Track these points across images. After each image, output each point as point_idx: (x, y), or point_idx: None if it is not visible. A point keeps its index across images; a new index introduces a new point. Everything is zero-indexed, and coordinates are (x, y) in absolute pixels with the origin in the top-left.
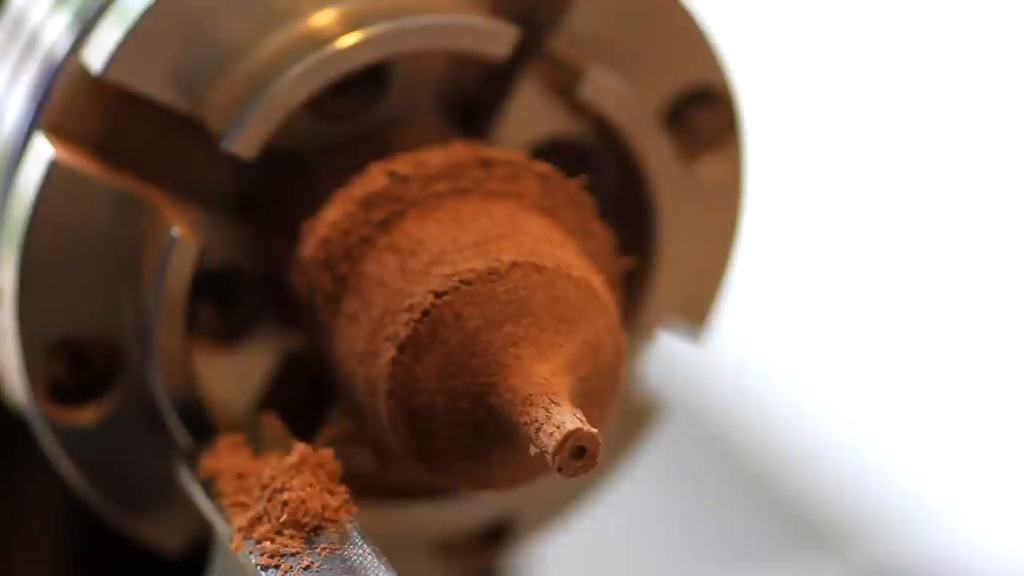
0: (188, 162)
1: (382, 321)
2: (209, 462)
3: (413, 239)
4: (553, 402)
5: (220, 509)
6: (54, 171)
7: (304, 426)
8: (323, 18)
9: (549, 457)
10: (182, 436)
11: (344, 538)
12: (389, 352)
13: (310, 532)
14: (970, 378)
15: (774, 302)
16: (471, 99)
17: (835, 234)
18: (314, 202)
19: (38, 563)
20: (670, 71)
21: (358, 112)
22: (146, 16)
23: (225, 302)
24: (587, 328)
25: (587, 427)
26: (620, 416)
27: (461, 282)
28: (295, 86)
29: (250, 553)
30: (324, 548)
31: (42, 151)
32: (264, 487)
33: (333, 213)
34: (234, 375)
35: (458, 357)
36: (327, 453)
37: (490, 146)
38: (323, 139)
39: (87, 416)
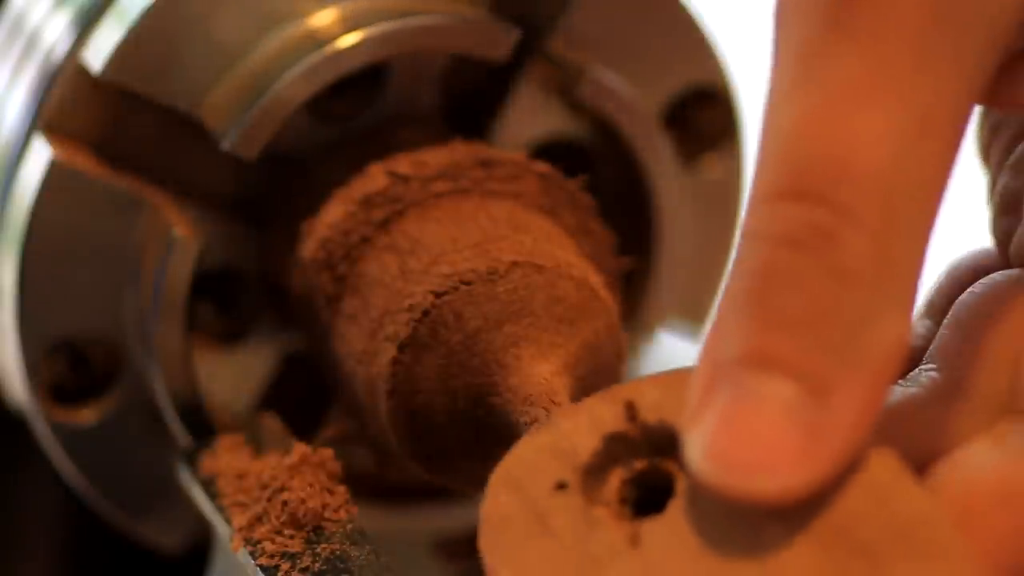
0: (188, 162)
1: (382, 321)
2: (209, 462)
3: (413, 239)
4: (553, 402)
5: (220, 509)
6: (54, 171)
7: (304, 426)
8: (323, 18)
9: None
10: (182, 436)
11: (344, 538)
12: (389, 352)
13: (310, 532)
14: None
15: None
16: (471, 99)
17: None
18: (314, 202)
19: (38, 563)
20: (670, 71)
21: (358, 112)
22: (146, 16)
23: (225, 302)
24: (587, 328)
25: None
26: None
27: (461, 282)
28: (295, 86)
29: (250, 553)
30: (324, 548)
31: (42, 151)
32: (264, 487)
33: (333, 213)
34: (234, 375)
35: (458, 357)
36: (327, 453)
37: (490, 146)
38: (323, 139)
39: (87, 416)
